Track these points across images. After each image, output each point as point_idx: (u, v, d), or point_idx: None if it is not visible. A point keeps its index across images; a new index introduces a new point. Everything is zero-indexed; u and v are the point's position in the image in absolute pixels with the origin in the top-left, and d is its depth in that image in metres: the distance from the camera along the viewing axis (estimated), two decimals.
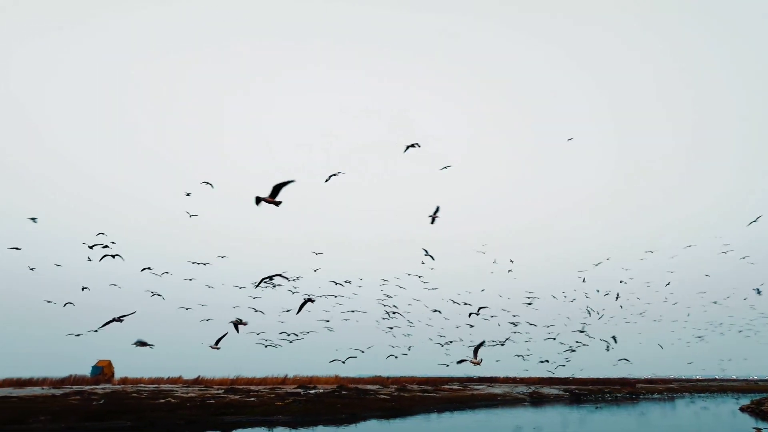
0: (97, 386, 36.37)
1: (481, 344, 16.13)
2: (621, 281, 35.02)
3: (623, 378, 71.39)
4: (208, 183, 26.73)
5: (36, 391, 32.52)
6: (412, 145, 20.67)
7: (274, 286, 23.58)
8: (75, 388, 35.08)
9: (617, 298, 32.77)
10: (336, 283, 29.80)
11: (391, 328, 31.26)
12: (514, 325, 31.96)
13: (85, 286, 23.86)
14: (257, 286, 21.77)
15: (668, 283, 36.28)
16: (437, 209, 18.63)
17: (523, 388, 48.43)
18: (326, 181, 21.68)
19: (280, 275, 20.41)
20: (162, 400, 27.64)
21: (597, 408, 39.06)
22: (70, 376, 40.79)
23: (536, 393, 46.31)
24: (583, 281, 34.04)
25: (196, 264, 28.68)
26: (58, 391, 31.86)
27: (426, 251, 24.32)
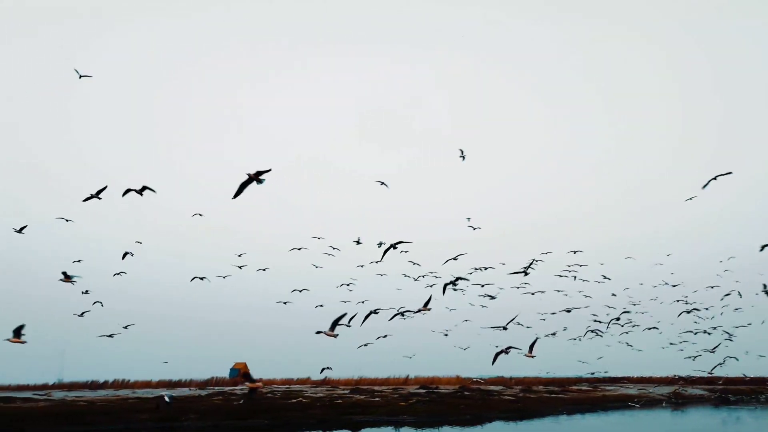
0: (235, 387, 39.73)
1: (535, 341, 16.04)
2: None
3: None
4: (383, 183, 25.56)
5: (185, 391, 36.42)
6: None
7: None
8: (217, 389, 38.71)
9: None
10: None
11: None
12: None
13: (85, 290, 23.54)
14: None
15: None
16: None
17: (661, 389, 43.84)
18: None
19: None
20: (294, 400, 29.33)
21: (750, 411, 33.95)
22: (212, 378, 45.15)
23: (677, 394, 41.64)
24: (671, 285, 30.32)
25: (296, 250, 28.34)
26: (203, 392, 35.39)
27: None
